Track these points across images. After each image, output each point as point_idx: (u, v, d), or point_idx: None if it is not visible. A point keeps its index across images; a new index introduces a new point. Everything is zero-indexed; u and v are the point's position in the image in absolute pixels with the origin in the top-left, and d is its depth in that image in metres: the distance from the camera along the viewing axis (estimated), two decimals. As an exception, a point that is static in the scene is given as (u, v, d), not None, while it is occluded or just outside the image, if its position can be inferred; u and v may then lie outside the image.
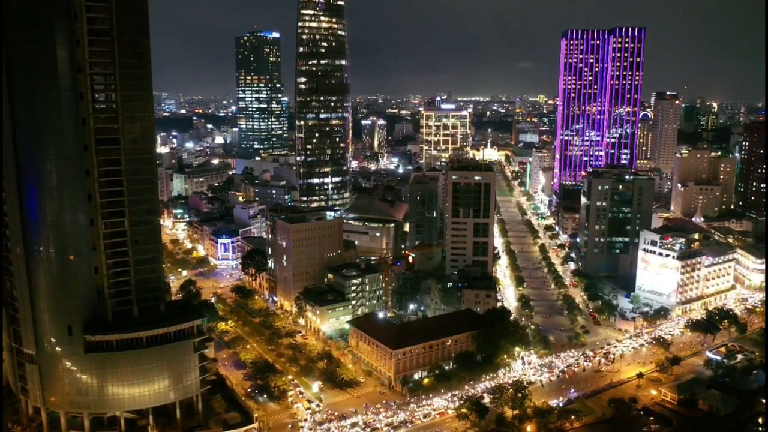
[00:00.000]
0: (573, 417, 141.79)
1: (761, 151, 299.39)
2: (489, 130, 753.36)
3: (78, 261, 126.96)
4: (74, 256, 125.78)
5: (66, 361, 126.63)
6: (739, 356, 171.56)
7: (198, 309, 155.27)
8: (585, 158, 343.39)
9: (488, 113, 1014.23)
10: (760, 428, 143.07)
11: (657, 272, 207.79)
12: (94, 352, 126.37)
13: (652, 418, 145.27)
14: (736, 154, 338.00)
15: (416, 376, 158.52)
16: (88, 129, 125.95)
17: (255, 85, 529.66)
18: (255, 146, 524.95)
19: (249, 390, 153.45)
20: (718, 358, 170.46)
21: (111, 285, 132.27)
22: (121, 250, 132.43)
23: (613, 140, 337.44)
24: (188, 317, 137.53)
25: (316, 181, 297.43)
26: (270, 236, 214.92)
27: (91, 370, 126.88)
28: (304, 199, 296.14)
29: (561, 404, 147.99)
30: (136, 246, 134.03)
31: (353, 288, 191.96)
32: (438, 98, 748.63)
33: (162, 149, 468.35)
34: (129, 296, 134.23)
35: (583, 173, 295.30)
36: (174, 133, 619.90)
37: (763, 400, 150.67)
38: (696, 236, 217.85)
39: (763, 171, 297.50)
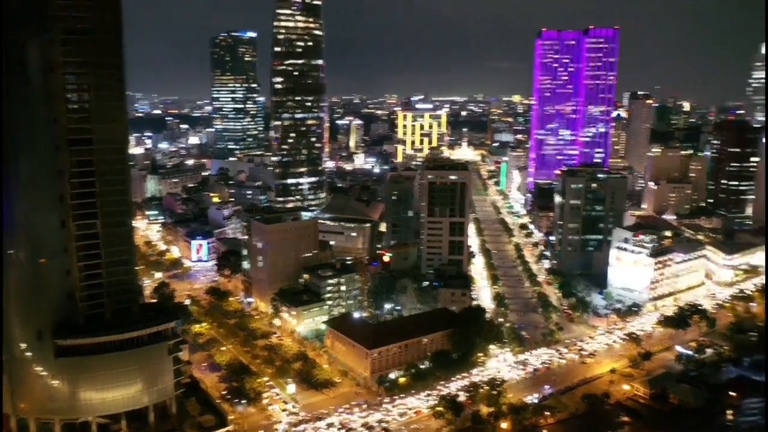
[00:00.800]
0: (547, 413, 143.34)
1: (730, 150, 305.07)
2: (465, 129, 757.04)
3: (49, 263, 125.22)
4: (45, 259, 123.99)
5: (36, 367, 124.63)
6: (709, 351, 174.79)
7: (172, 311, 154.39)
8: (559, 157, 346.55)
9: (464, 113, 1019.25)
10: (728, 421, 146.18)
11: (630, 269, 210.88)
12: (65, 357, 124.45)
13: (624, 412, 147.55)
14: (707, 153, 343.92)
15: (392, 376, 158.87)
16: (60, 129, 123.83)
17: (230, 85, 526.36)
18: (230, 147, 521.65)
19: (224, 392, 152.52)
20: (689, 352, 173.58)
21: (83, 288, 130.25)
22: (93, 252, 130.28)
23: (587, 139, 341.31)
24: (162, 320, 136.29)
25: (291, 181, 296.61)
26: (245, 237, 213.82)
27: (62, 375, 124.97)
28: (280, 199, 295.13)
29: (536, 400, 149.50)
30: (109, 248, 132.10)
31: (329, 288, 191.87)
32: (414, 98, 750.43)
33: (136, 150, 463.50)
34: (101, 299, 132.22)
35: (557, 172, 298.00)
36: (148, 134, 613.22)
37: (732, 393, 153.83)
38: (668, 233, 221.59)
39: (732, 169, 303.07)
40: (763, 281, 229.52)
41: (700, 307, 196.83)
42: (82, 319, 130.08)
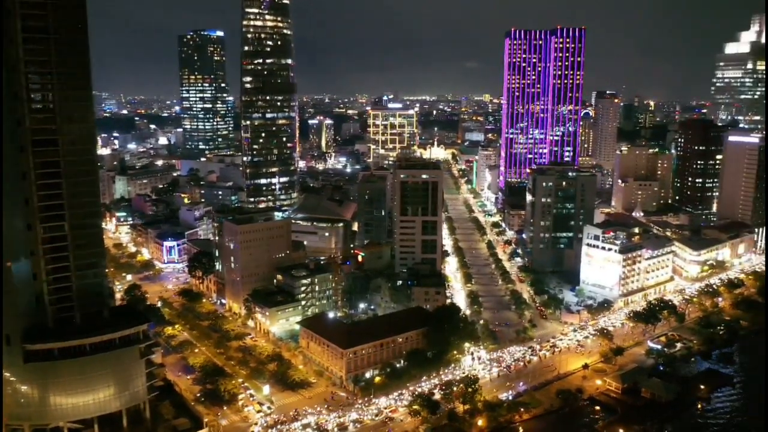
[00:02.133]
0: (522, 410, 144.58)
1: (695, 148, 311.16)
2: (435, 129, 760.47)
3: (15, 267, 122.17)
4: (10, 263, 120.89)
5: (4, 372, 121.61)
6: (679, 345, 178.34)
7: (143, 314, 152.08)
8: (529, 156, 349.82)
9: (435, 112, 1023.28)
10: (698, 412, 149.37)
11: (600, 266, 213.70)
12: (34, 362, 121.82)
13: (597, 407, 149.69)
14: (673, 151, 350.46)
15: (368, 375, 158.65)
16: (24, 130, 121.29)
17: (199, 84, 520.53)
18: (200, 147, 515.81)
19: (198, 395, 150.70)
20: (659, 347, 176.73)
21: (51, 291, 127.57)
22: (61, 255, 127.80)
23: (556, 138, 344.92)
24: (133, 322, 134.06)
25: (263, 181, 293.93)
26: (217, 238, 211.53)
27: (31, 381, 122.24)
28: (252, 199, 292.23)
29: (510, 397, 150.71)
30: (77, 251, 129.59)
31: (303, 288, 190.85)
32: (385, 98, 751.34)
33: (103, 151, 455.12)
34: (70, 303, 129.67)
35: (527, 171, 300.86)
36: (116, 134, 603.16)
37: (702, 386, 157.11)
38: (636, 230, 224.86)
39: (698, 166, 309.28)
40: (729, 276, 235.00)
41: (669, 303, 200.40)
42: (51, 323, 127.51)
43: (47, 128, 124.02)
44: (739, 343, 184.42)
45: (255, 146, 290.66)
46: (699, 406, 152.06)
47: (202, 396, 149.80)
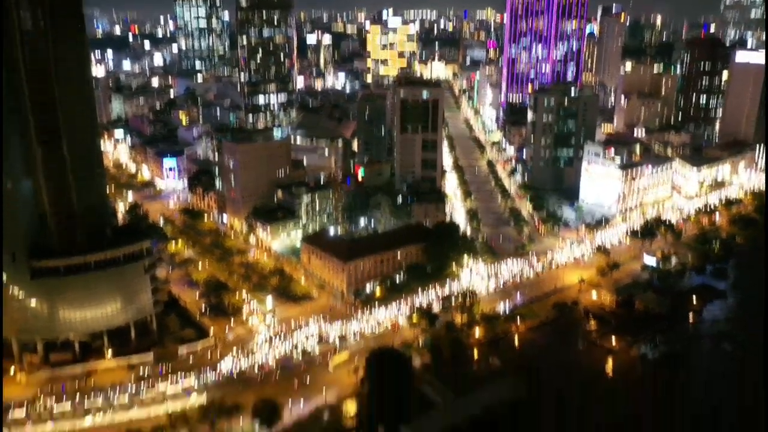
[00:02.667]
0: (519, 321, 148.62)
1: (701, 65, 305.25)
2: (436, 45, 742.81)
3: (15, 186, 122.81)
4: (11, 182, 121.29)
5: (13, 288, 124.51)
6: (674, 260, 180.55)
7: (146, 231, 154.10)
8: (532, 74, 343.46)
9: (435, 29, 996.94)
10: (690, 323, 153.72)
11: (600, 183, 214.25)
12: (40, 278, 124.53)
13: (592, 319, 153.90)
14: (678, 69, 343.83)
15: (368, 288, 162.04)
16: (15, 47, 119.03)
17: (193, 1, 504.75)
18: (196, 66, 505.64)
19: (203, 308, 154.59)
20: (654, 262, 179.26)
21: (53, 211, 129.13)
22: (60, 174, 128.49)
23: (559, 56, 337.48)
24: (136, 239, 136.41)
25: (261, 100, 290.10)
26: (216, 157, 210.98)
27: (39, 296, 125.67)
28: (250, 118, 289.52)
29: (508, 310, 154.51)
30: (77, 170, 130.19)
31: (303, 206, 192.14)
32: (384, 13, 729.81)
33: (98, 70, 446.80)
34: (73, 221, 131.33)
35: (529, 89, 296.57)
36: (109, 54, 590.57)
37: (695, 300, 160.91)
38: (637, 147, 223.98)
39: (703, 85, 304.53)
40: (728, 194, 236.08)
41: (666, 221, 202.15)
42: (55, 241, 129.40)
43: (38, 46, 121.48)
44: (733, 259, 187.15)
45: (252, 65, 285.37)
46: (691, 318, 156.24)
47: (207, 309, 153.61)
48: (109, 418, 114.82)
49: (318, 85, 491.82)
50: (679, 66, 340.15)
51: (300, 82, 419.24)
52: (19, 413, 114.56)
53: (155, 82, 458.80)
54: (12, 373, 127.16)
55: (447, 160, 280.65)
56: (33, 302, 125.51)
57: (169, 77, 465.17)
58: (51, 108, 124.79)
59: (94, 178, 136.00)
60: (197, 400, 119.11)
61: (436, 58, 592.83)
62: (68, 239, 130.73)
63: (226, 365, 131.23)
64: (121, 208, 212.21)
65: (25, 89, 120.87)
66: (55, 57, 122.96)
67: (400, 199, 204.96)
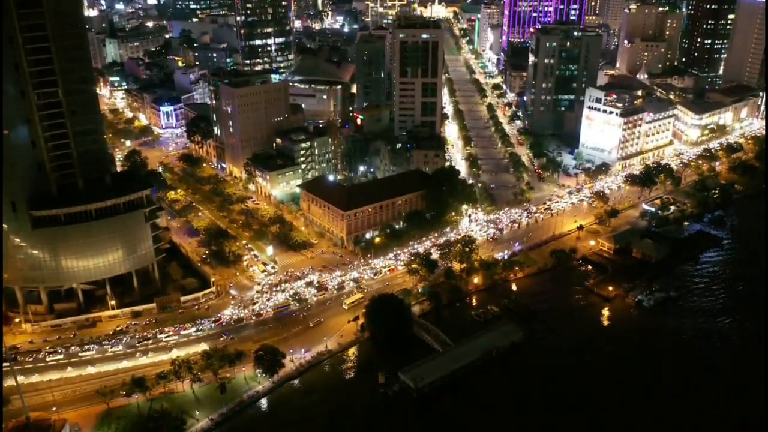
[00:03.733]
0: (517, 268, 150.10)
1: (708, 6, 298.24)
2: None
3: (13, 135, 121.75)
4: (7, 130, 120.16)
5: (15, 238, 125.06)
6: (672, 208, 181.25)
7: (146, 179, 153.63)
8: (534, 14, 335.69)
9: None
10: (687, 269, 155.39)
11: (600, 129, 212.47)
12: (42, 227, 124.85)
13: (589, 266, 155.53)
14: (683, 9, 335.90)
15: (368, 236, 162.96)
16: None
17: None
18: (191, 6, 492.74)
19: (204, 256, 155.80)
20: (653, 209, 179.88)
21: (52, 159, 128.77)
22: (57, 122, 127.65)
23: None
24: (136, 188, 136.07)
25: (258, 42, 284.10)
26: (214, 102, 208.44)
27: (41, 245, 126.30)
28: (247, 62, 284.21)
29: (506, 257, 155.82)
30: (74, 117, 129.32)
31: (302, 152, 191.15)
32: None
33: (90, 11, 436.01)
34: (72, 169, 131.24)
35: (531, 30, 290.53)
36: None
37: (692, 247, 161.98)
38: (639, 93, 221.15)
39: (708, 27, 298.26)
40: (729, 140, 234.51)
41: (666, 167, 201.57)
42: (54, 190, 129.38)
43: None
44: (732, 207, 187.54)
45: (248, 5, 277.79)
46: (687, 265, 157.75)
47: (208, 257, 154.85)
48: (115, 366, 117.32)
49: (316, 25, 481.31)
50: (684, 6, 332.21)
51: (298, 23, 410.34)
52: (25, 360, 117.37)
53: (149, 23, 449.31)
54: (18, 321, 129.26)
55: (447, 104, 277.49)
56: (35, 251, 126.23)
57: (164, 20, 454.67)
58: (44, 50, 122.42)
59: (91, 123, 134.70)
60: (200, 347, 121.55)
61: (436, 1, 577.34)
62: (68, 187, 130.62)
63: (228, 314, 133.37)
64: (119, 156, 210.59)
65: (17, 29, 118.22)
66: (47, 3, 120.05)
67: (399, 145, 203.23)
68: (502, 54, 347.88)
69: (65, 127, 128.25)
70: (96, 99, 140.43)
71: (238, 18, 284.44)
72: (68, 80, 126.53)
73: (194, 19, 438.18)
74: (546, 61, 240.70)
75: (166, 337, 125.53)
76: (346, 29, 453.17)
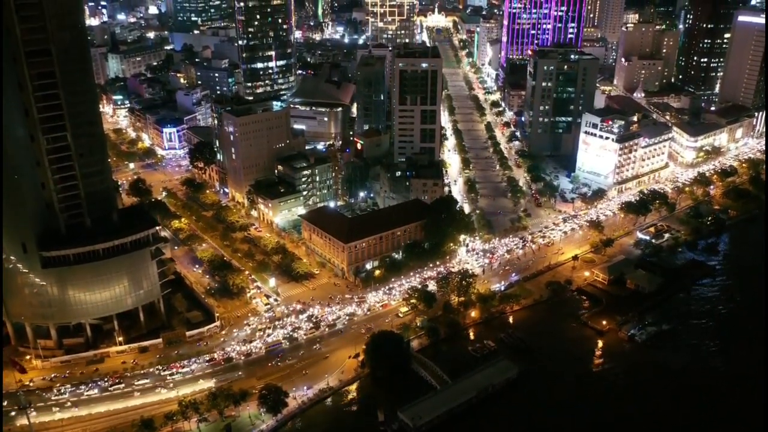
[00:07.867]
0: (513, 301, 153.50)
1: (704, 25, 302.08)
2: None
3: (22, 178, 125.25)
4: (17, 174, 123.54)
5: (25, 277, 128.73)
6: (667, 235, 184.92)
7: (151, 215, 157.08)
8: (533, 32, 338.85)
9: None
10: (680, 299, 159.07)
11: (596, 153, 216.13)
12: (51, 267, 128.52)
13: (584, 297, 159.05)
14: (681, 26, 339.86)
15: (368, 266, 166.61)
16: (14, 39, 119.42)
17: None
18: (192, 18, 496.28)
19: (208, 287, 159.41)
20: (647, 237, 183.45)
21: (60, 199, 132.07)
22: (66, 165, 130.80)
23: (560, 13, 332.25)
24: (143, 226, 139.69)
25: (259, 66, 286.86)
26: (216, 128, 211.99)
27: (51, 284, 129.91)
28: (249, 84, 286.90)
29: (502, 288, 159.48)
30: (81, 159, 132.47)
31: (303, 179, 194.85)
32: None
33: (92, 21, 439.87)
34: (80, 209, 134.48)
35: (530, 51, 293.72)
36: (103, 2, 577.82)
37: (684, 277, 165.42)
38: (635, 118, 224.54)
39: (704, 45, 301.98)
40: (724, 162, 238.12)
41: (661, 192, 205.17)
42: (63, 229, 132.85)
43: (38, 38, 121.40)
44: (725, 233, 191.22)
45: (250, 28, 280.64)
46: (681, 296, 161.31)
47: (212, 289, 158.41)
48: (123, 404, 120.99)
49: (316, 36, 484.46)
50: (681, 23, 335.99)
51: (298, 34, 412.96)
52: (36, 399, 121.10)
53: (151, 34, 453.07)
54: (28, 358, 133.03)
55: (446, 123, 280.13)
56: (46, 290, 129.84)
57: (165, 31, 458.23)
58: (54, 97, 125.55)
59: (99, 165, 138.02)
60: (206, 384, 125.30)
61: (436, 8, 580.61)
62: (76, 226, 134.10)
63: (232, 349, 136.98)
64: (122, 182, 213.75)
65: (27, 77, 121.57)
66: (54, 46, 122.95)
67: (399, 173, 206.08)
68: (500, 69, 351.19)
69: (74, 169, 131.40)
70: (103, 141, 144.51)
71: (240, 41, 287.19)
72: (76, 124, 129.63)
73: (195, 31, 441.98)
74: (543, 83, 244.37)
75: (170, 374, 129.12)
76: (346, 39, 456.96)
